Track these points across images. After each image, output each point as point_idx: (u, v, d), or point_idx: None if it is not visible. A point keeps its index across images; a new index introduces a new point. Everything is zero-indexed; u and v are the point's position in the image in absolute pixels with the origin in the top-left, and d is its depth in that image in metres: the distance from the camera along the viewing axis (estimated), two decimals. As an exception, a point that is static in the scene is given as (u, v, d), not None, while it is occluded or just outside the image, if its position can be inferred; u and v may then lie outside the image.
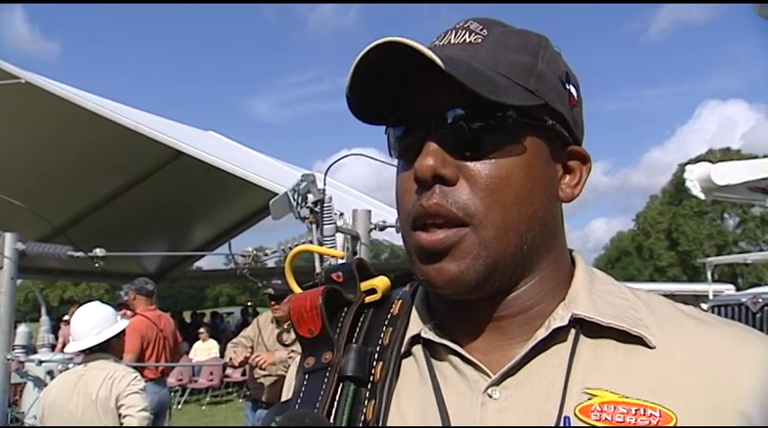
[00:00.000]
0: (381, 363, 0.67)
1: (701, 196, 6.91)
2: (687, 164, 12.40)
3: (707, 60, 79.09)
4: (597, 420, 0.58)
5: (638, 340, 0.63)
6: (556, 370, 0.62)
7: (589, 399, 0.60)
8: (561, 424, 0.59)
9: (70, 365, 3.62)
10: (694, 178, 6.69)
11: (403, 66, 0.61)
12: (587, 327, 0.64)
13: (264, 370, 4.50)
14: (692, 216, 38.95)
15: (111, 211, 11.42)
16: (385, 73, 0.63)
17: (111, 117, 7.34)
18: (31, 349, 4.25)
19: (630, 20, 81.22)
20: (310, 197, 2.40)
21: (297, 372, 0.70)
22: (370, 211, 2.71)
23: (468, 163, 0.63)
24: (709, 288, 11.23)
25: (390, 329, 0.70)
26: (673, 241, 39.61)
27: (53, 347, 4.26)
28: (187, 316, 17.79)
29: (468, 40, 0.66)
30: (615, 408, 0.59)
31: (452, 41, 0.66)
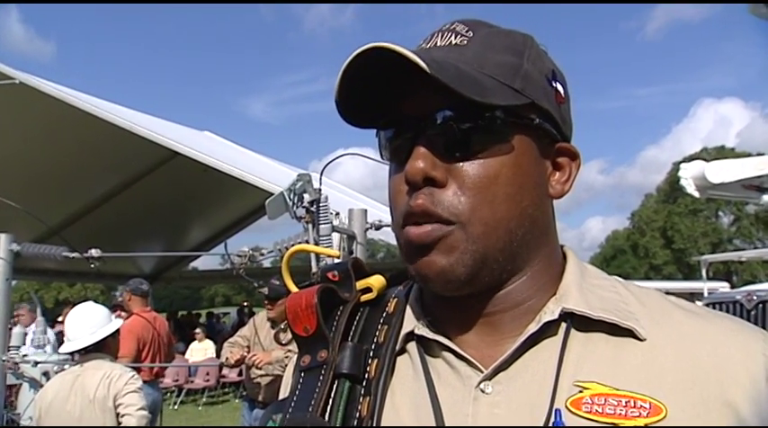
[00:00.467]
0: (376, 361, 0.68)
1: (696, 194, 6.95)
2: (682, 162, 12.44)
3: (702, 58, 79.33)
4: (588, 412, 0.59)
5: (628, 333, 0.63)
6: (547, 363, 0.63)
7: (580, 392, 0.60)
8: (552, 417, 0.59)
9: (66, 366, 3.61)
10: (689, 176, 6.72)
11: (390, 70, 0.62)
12: (578, 321, 0.65)
13: (261, 369, 4.50)
14: (687, 214, 39.08)
15: (106, 212, 11.38)
16: (372, 77, 0.64)
17: (106, 117, 7.31)
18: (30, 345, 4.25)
19: (627, 18, 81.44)
20: (306, 197, 2.41)
21: (293, 371, 0.71)
22: (366, 211, 2.71)
23: (458, 164, 0.64)
24: (704, 285, 11.28)
25: (385, 327, 0.71)
26: (668, 239, 39.74)
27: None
28: (183, 316, 17.76)
29: (454, 42, 0.67)
30: (606, 400, 0.59)
31: (438, 44, 0.67)
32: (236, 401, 10.50)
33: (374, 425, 0.63)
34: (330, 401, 0.65)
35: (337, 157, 2.61)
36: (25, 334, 4.16)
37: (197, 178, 9.09)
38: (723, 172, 6.51)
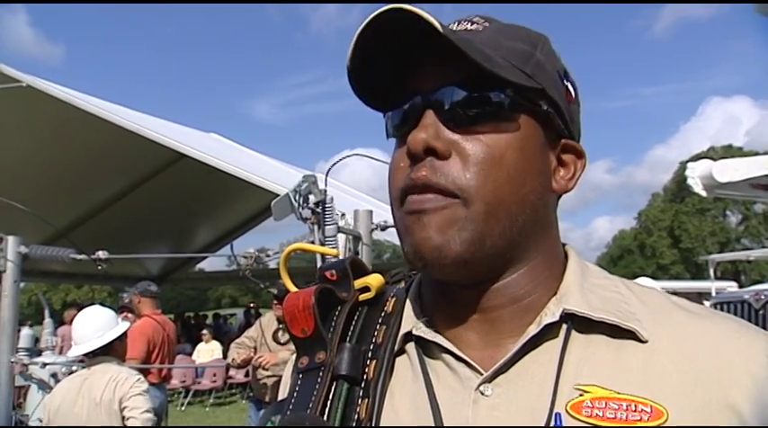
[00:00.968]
0: (375, 362, 0.67)
1: (703, 193, 6.91)
2: (689, 161, 12.39)
3: (711, 57, 78.98)
4: (588, 416, 0.58)
5: (630, 334, 0.63)
6: (547, 366, 0.62)
7: (580, 395, 0.60)
8: (552, 421, 0.59)
9: (74, 367, 3.63)
10: (696, 175, 6.68)
11: (402, 39, 0.62)
12: (579, 322, 0.64)
13: (267, 370, 4.51)
14: (695, 213, 38.90)
15: (113, 214, 11.43)
16: (384, 49, 0.63)
17: (113, 120, 7.35)
18: (35, 351, 4.26)
19: (635, 17, 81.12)
20: (312, 198, 2.41)
21: (292, 372, 0.70)
22: (371, 211, 2.71)
23: (462, 138, 0.63)
24: (711, 285, 11.22)
25: (384, 327, 0.70)
26: (675, 239, 39.56)
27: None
28: (191, 317, 17.80)
29: (469, 29, 0.67)
30: (607, 404, 0.59)
31: (454, 29, 0.67)
32: (243, 402, 10.52)
33: (373, 427, 0.63)
34: (328, 403, 0.64)
35: (343, 158, 2.61)
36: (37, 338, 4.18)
37: (203, 180, 9.13)
38: (730, 171, 6.47)
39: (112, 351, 3.34)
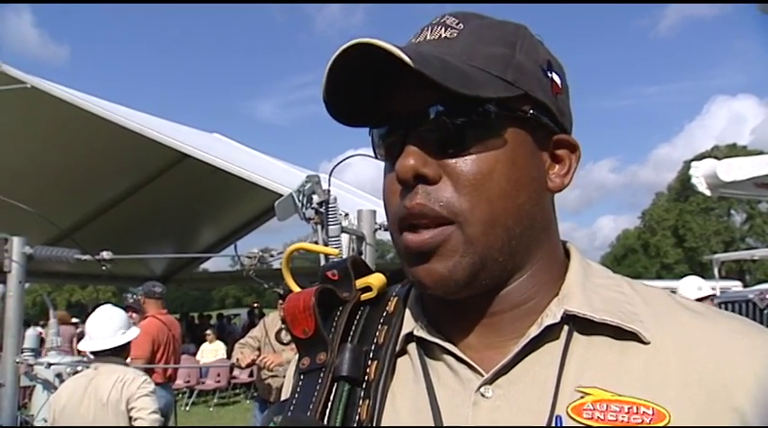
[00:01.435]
0: (376, 362, 0.67)
1: (707, 192, 6.88)
2: (693, 160, 12.36)
3: (716, 55, 78.59)
4: (590, 419, 0.58)
5: (632, 335, 0.62)
6: (548, 367, 0.62)
7: (582, 398, 0.59)
8: (553, 424, 0.58)
9: (79, 368, 3.64)
10: (700, 175, 6.66)
11: (378, 67, 0.61)
12: (580, 324, 0.63)
13: (272, 370, 4.52)
14: (699, 212, 38.76)
15: (117, 214, 11.47)
16: (361, 75, 0.63)
17: (116, 120, 7.37)
18: (39, 352, 4.28)
19: (639, 16, 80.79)
20: (315, 198, 2.41)
21: (294, 373, 0.70)
22: (375, 211, 2.71)
23: (450, 160, 0.62)
24: (716, 284, 11.18)
25: (385, 327, 0.70)
26: (679, 238, 39.43)
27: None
28: (195, 318, 17.84)
29: (443, 36, 0.65)
30: (608, 407, 0.58)
31: (428, 38, 0.66)
32: (248, 402, 10.54)
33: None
34: (329, 404, 0.64)
35: (346, 158, 2.61)
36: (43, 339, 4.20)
37: (206, 180, 9.14)
38: (735, 170, 6.44)
39: (121, 352, 3.38)
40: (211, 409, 10.45)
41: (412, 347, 0.68)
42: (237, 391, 11.63)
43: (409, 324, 0.69)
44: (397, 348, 0.68)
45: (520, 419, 0.60)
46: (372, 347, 0.68)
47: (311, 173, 2.51)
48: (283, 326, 4.48)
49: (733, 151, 34.65)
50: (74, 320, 14.82)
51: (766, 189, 6.99)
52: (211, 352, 11.44)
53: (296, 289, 0.74)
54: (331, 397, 0.65)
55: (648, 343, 0.62)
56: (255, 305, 20.27)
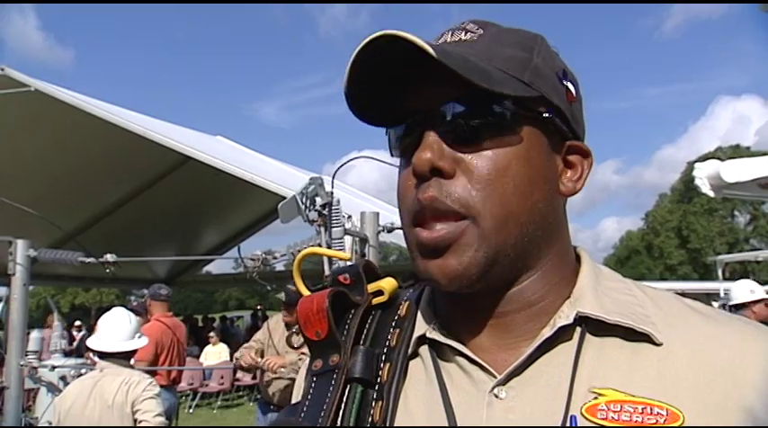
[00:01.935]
0: (389, 365, 0.67)
1: (711, 194, 6.86)
2: (696, 161, 12.34)
3: (720, 56, 78.44)
4: (604, 419, 0.58)
5: (644, 337, 0.62)
6: (562, 369, 0.62)
7: (595, 398, 0.59)
8: (568, 424, 0.59)
9: (83, 370, 3.65)
10: (703, 176, 6.64)
11: (398, 61, 0.62)
12: (593, 325, 0.64)
13: (275, 373, 4.52)
14: (703, 213, 38.65)
15: (121, 217, 11.48)
16: (381, 70, 0.63)
17: (120, 123, 7.39)
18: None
19: (644, 16, 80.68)
20: (318, 200, 2.41)
21: (306, 375, 0.71)
22: (378, 214, 2.72)
23: (466, 155, 0.63)
24: (720, 286, 11.14)
25: (397, 330, 0.70)
26: (683, 239, 39.32)
27: (66, 352, 4.28)
28: (198, 320, 17.86)
29: (463, 39, 0.66)
30: (622, 407, 0.58)
31: (448, 41, 0.67)
32: (251, 404, 10.55)
33: None
34: (342, 406, 0.65)
35: (349, 160, 2.62)
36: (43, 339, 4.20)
37: (210, 182, 9.14)
38: (738, 171, 6.42)
39: (126, 355, 3.38)
40: (215, 411, 10.45)
41: (424, 349, 0.69)
42: (241, 393, 11.64)
43: (421, 326, 0.69)
44: (410, 350, 0.68)
45: (534, 420, 0.60)
46: (385, 350, 0.69)
47: (314, 176, 2.52)
48: (294, 330, 4.49)
49: (736, 152, 34.56)
50: (77, 323, 14.88)
51: (770, 190, 6.96)
52: (215, 354, 11.44)
53: (306, 292, 0.75)
54: (344, 399, 0.65)
55: (660, 345, 0.62)
56: (259, 307, 20.31)
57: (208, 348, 11.70)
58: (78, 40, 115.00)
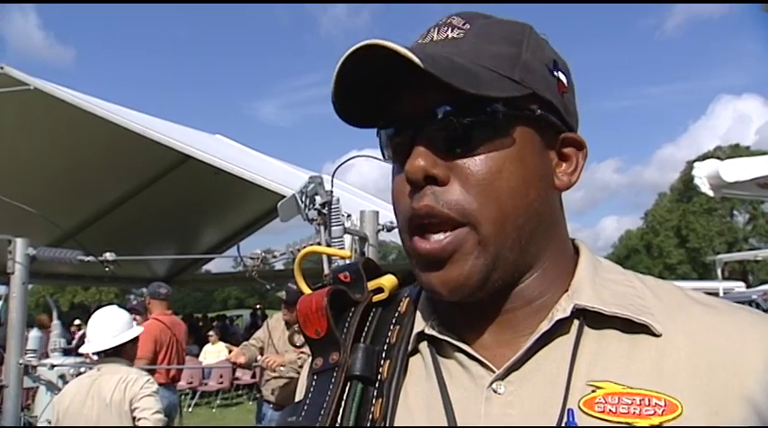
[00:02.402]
0: (389, 362, 0.67)
1: (710, 193, 6.87)
2: (696, 160, 12.35)
3: (721, 55, 78.21)
4: (602, 412, 0.58)
5: (643, 328, 0.62)
6: (560, 362, 0.62)
7: (593, 391, 0.60)
8: (565, 418, 0.59)
9: (82, 369, 3.65)
10: (703, 175, 6.64)
11: (386, 68, 0.61)
12: (591, 318, 0.64)
13: (274, 371, 4.52)
14: (702, 213, 38.68)
15: (120, 216, 11.49)
16: (369, 76, 0.63)
17: (119, 122, 7.39)
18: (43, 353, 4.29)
19: (645, 15, 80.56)
20: (318, 199, 2.41)
21: (307, 373, 0.71)
22: (377, 212, 2.72)
23: (459, 160, 0.62)
24: (719, 285, 11.17)
25: (398, 327, 0.70)
26: (682, 238, 39.36)
27: (65, 351, 4.28)
28: (198, 319, 17.86)
29: (450, 36, 0.65)
30: (620, 399, 0.58)
31: (435, 38, 0.66)
32: (250, 403, 10.55)
33: (387, 427, 0.63)
34: (342, 403, 0.65)
35: (349, 159, 2.61)
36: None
37: (209, 181, 9.15)
38: (738, 170, 6.42)
39: (124, 353, 3.36)
40: (214, 410, 10.46)
41: (424, 346, 0.69)
42: (240, 392, 11.64)
43: (421, 323, 0.69)
44: (410, 347, 0.68)
45: (532, 414, 0.60)
46: (385, 347, 0.69)
47: (314, 174, 2.52)
48: (296, 328, 4.49)
49: (736, 151, 34.60)
50: (76, 322, 14.88)
51: (769, 189, 6.97)
52: (214, 353, 11.44)
53: (307, 291, 0.75)
54: (344, 397, 0.65)
55: (659, 336, 0.62)
56: (258, 306, 20.31)
57: (207, 347, 11.70)
58: (79, 38, 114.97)
